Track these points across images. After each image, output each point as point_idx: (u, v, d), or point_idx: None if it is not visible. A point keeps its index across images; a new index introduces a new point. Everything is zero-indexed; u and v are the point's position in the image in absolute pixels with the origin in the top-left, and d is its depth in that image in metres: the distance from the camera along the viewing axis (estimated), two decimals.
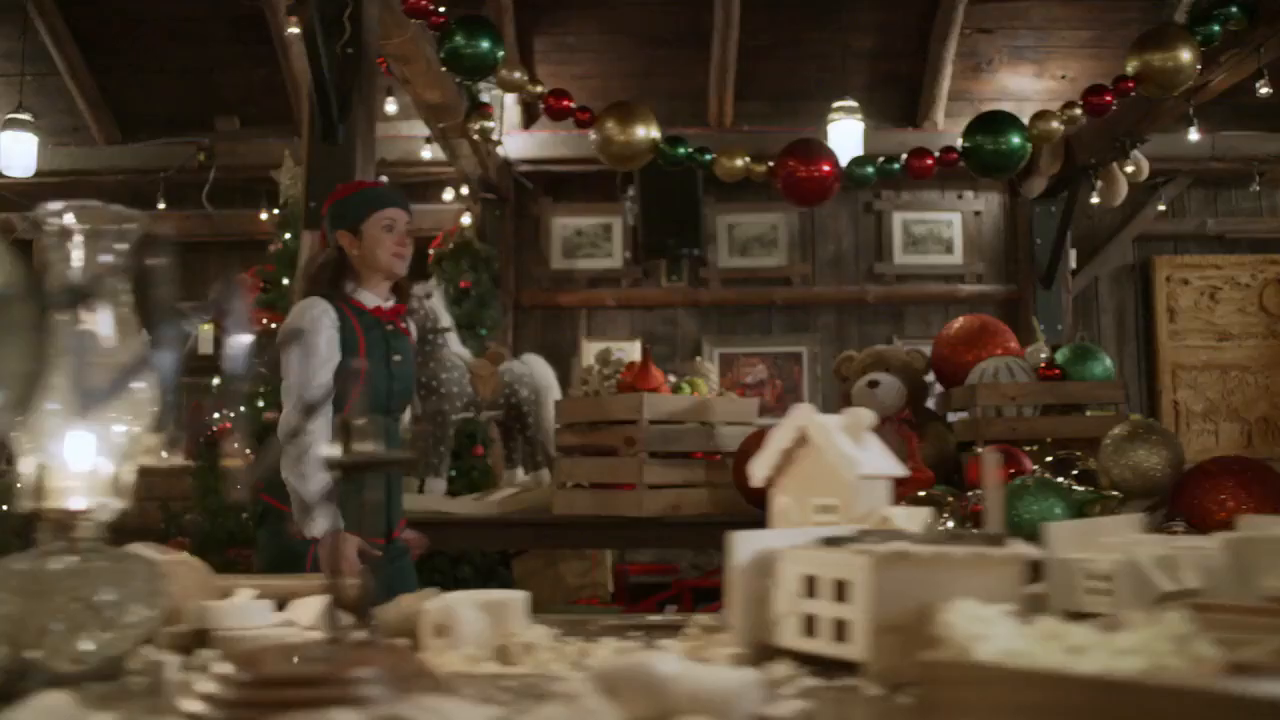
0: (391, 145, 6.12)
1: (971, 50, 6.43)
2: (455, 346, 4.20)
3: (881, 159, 3.55)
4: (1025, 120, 3.60)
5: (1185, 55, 3.29)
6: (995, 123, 3.29)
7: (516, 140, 6.63)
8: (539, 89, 3.71)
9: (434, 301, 4.12)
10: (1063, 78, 6.56)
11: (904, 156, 3.50)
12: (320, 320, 2.64)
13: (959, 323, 3.97)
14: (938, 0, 6.15)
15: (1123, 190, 5.68)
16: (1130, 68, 3.32)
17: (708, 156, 3.41)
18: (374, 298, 2.77)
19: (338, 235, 2.75)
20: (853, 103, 5.48)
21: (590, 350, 6.75)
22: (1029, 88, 6.57)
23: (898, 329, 6.69)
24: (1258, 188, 6.58)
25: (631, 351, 6.68)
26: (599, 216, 6.81)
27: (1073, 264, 6.60)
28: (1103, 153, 5.63)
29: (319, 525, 2.52)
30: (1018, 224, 6.75)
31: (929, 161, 3.43)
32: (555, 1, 6.28)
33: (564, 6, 6.30)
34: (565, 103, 3.61)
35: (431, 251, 6.12)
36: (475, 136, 5.37)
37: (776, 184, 3.32)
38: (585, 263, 6.85)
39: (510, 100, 6.59)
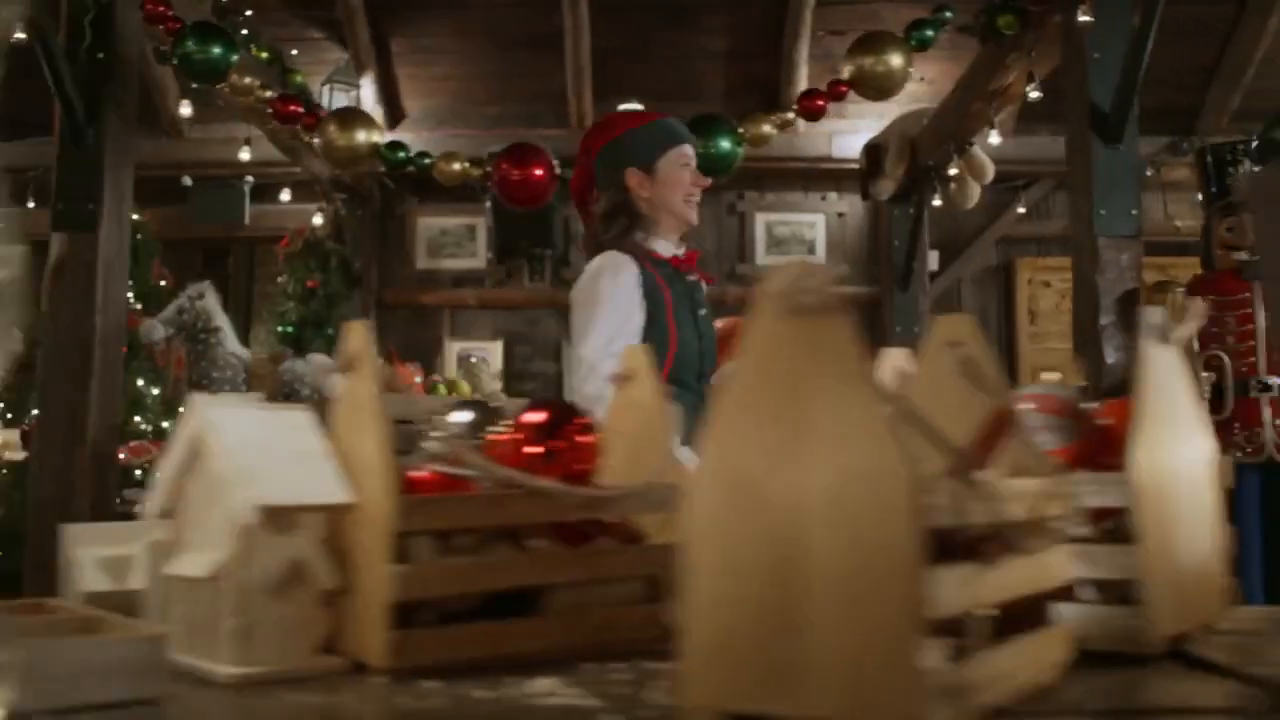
0: (225, 146, 6.10)
1: (826, 52, 6.44)
2: (231, 345, 4.27)
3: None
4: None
5: (896, 60, 3.31)
6: (708, 126, 3.32)
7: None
8: (268, 94, 3.75)
9: (206, 301, 4.19)
10: (921, 79, 6.55)
11: None
12: (619, 277, 2.26)
13: (717, 324, 4.00)
14: (786, 2, 6.16)
15: (973, 193, 5.70)
16: (846, 72, 3.34)
17: (427, 160, 3.45)
18: (669, 246, 2.40)
19: (626, 174, 2.35)
20: None
21: (453, 350, 6.81)
22: None
23: None
24: None
25: (493, 352, 6.74)
26: (463, 217, 6.85)
27: (934, 265, 6.62)
28: (942, 156, 5.65)
29: None
30: (879, 226, 6.76)
31: None
32: (410, 3, 6.31)
33: (419, 8, 6.33)
34: (293, 107, 3.65)
35: (280, 251, 6.18)
36: (307, 139, 5.45)
37: (492, 186, 3.36)
38: (450, 263, 6.90)
39: (372, 102, 6.65)
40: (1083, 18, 3.52)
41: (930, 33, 3.43)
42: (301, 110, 3.70)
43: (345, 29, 6.23)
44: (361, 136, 3.41)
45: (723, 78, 6.56)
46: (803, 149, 6.67)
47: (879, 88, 3.33)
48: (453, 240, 6.92)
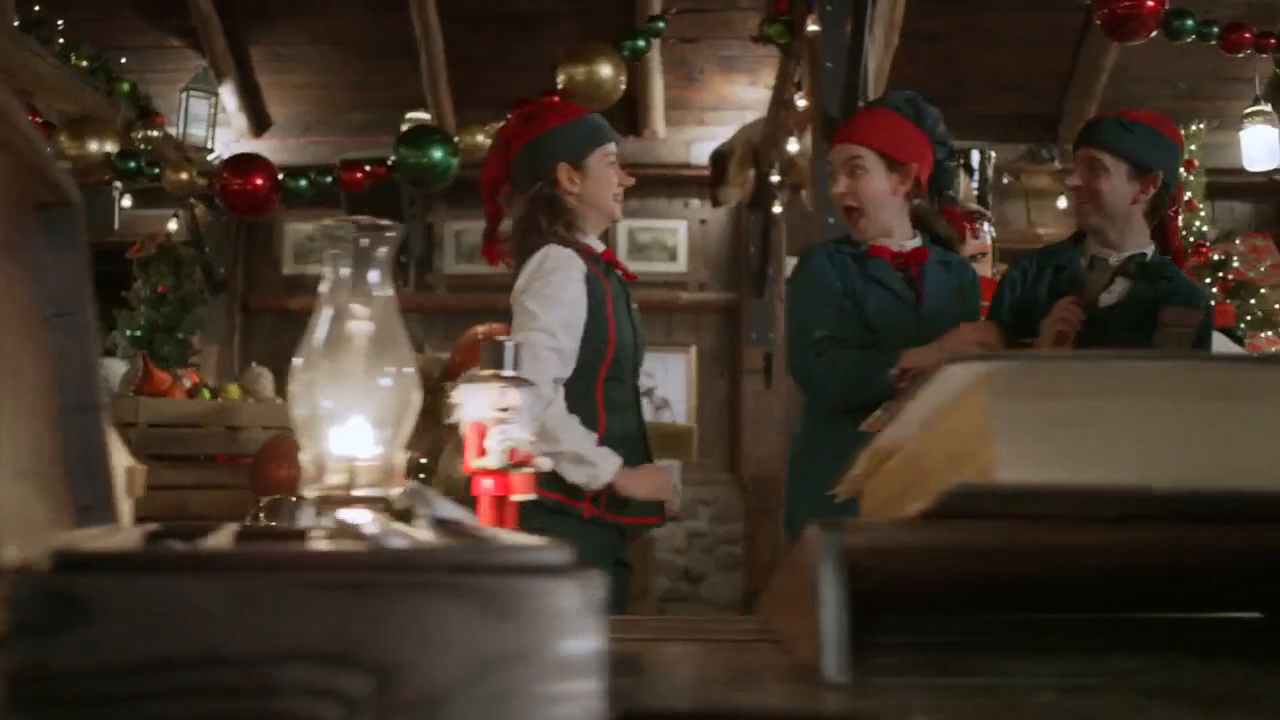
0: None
1: (681, 60, 6.48)
2: None
3: (314, 173, 3.63)
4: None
5: (606, 70, 3.35)
6: (421, 137, 3.37)
7: (244, 148, 6.70)
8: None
9: None
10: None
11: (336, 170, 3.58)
12: (571, 271, 2.26)
13: (473, 330, 4.05)
14: (634, 9, 6.20)
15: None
16: (559, 82, 3.39)
17: (156, 170, 3.52)
18: (595, 243, 2.42)
19: (555, 168, 2.35)
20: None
21: None
22: (748, 96, 6.61)
23: None
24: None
25: None
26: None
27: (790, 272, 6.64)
28: (766, 164, 5.70)
29: (608, 465, 2.19)
30: (739, 233, 6.80)
31: (358, 175, 3.50)
32: (265, 11, 6.38)
33: (274, 16, 6.40)
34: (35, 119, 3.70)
35: (132, 257, 6.24)
36: (142, 146, 5.51)
37: (215, 195, 3.42)
38: (316, 268, 6.91)
39: (234, 109, 6.72)
40: (811, 27, 3.55)
41: (642, 43, 3.47)
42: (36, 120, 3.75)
43: (200, 36, 6.30)
44: (94, 146, 3.47)
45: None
46: (662, 156, 6.71)
47: (592, 97, 3.37)
48: (320, 246, 6.96)
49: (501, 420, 1.10)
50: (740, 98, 6.60)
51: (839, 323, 2.34)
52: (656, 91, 6.51)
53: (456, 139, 3.35)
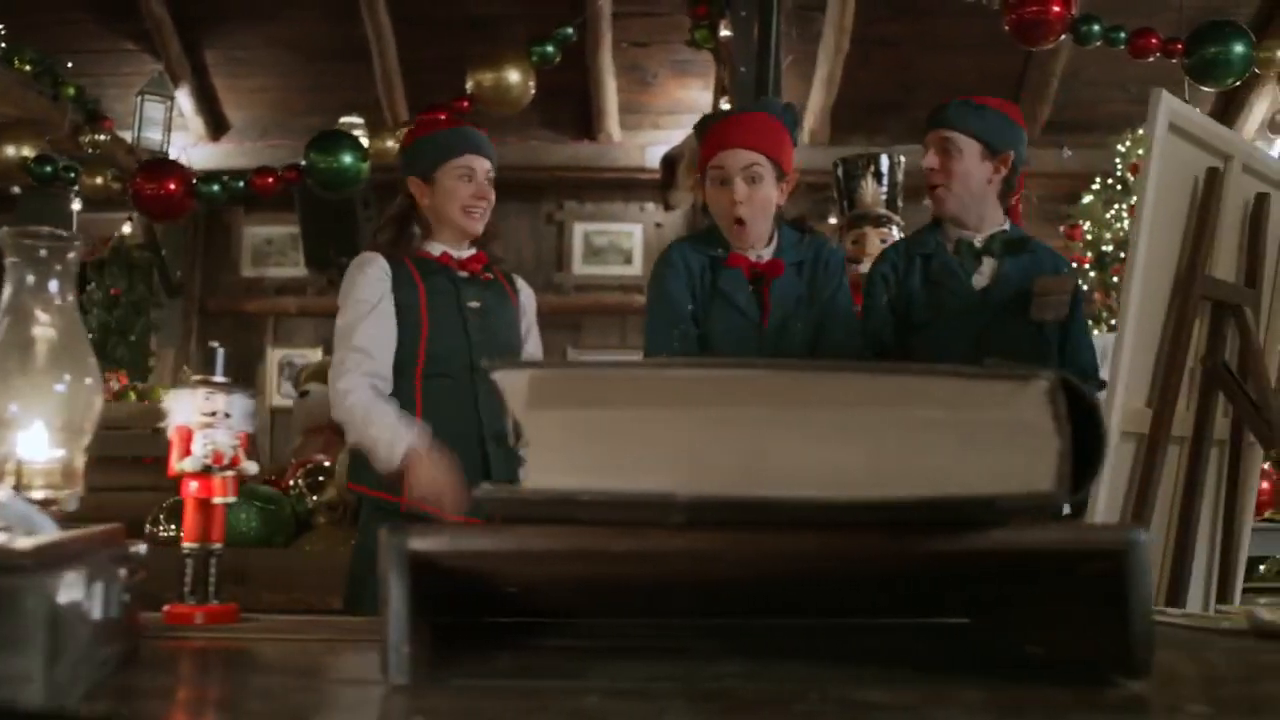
0: None
1: (634, 64, 6.51)
2: None
3: (227, 177, 3.66)
4: None
5: (515, 76, 3.38)
6: (331, 142, 3.40)
7: (203, 151, 6.77)
8: None
9: None
10: None
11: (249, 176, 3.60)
12: (364, 272, 2.36)
13: None
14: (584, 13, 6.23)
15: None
16: (469, 87, 3.41)
17: (73, 174, 3.55)
18: (441, 246, 2.46)
19: (409, 182, 2.45)
20: None
21: (275, 357, 6.89)
22: (702, 100, 6.62)
23: (574, 339, 6.77)
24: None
25: (314, 359, 6.80)
26: (287, 226, 6.92)
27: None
28: None
29: (395, 450, 2.18)
30: None
31: (270, 180, 3.52)
32: (220, 15, 6.40)
33: (228, 20, 6.42)
34: None
35: (85, 260, 6.27)
36: (90, 151, 5.54)
37: (130, 200, 3.45)
38: (274, 271, 6.99)
39: (192, 112, 6.75)
40: (724, 32, 3.57)
41: (550, 49, 3.49)
42: None
43: (155, 41, 6.34)
44: (11, 151, 3.49)
45: (537, 87, 6.61)
46: (617, 159, 6.74)
47: (502, 102, 3.40)
48: (277, 249, 7.01)
49: (207, 425, 1.12)
50: (694, 101, 6.61)
51: (683, 351, 2.32)
52: (610, 95, 6.54)
53: (367, 144, 3.38)
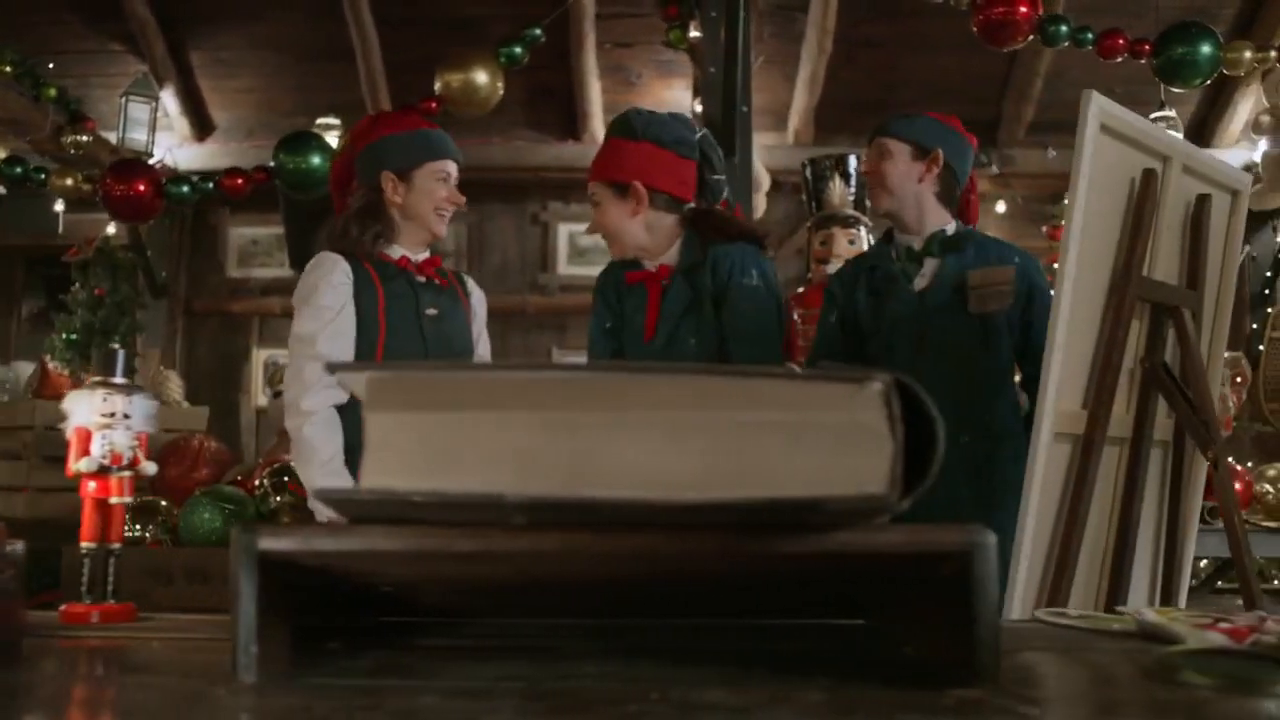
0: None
1: (618, 65, 6.52)
2: None
3: (197, 178, 3.67)
4: None
5: (483, 77, 3.39)
6: (300, 144, 3.41)
7: (188, 152, 6.79)
8: None
9: None
10: None
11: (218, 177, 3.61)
12: (328, 275, 2.34)
13: None
14: (568, 15, 6.24)
15: (756, 202, 5.76)
16: (436, 87, 3.42)
17: (43, 175, 3.56)
18: (401, 250, 2.43)
19: (381, 176, 2.39)
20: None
21: (260, 357, 6.90)
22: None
23: (560, 340, 6.78)
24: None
25: None
26: (274, 226, 6.94)
27: None
28: None
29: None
30: None
31: (239, 181, 3.54)
32: (203, 16, 6.41)
33: (212, 21, 6.43)
34: None
35: (70, 260, 6.28)
36: (73, 151, 5.55)
37: (100, 201, 3.47)
38: (260, 271, 7.00)
39: (177, 113, 6.76)
40: (693, 33, 3.57)
41: (518, 50, 3.50)
42: None
43: (140, 42, 6.35)
44: None
45: (520, 89, 6.62)
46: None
47: (470, 102, 3.41)
48: (263, 249, 7.02)
49: (105, 426, 1.13)
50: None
51: None
52: (594, 96, 6.55)
53: (335, 145, 3.39)
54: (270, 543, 0.80)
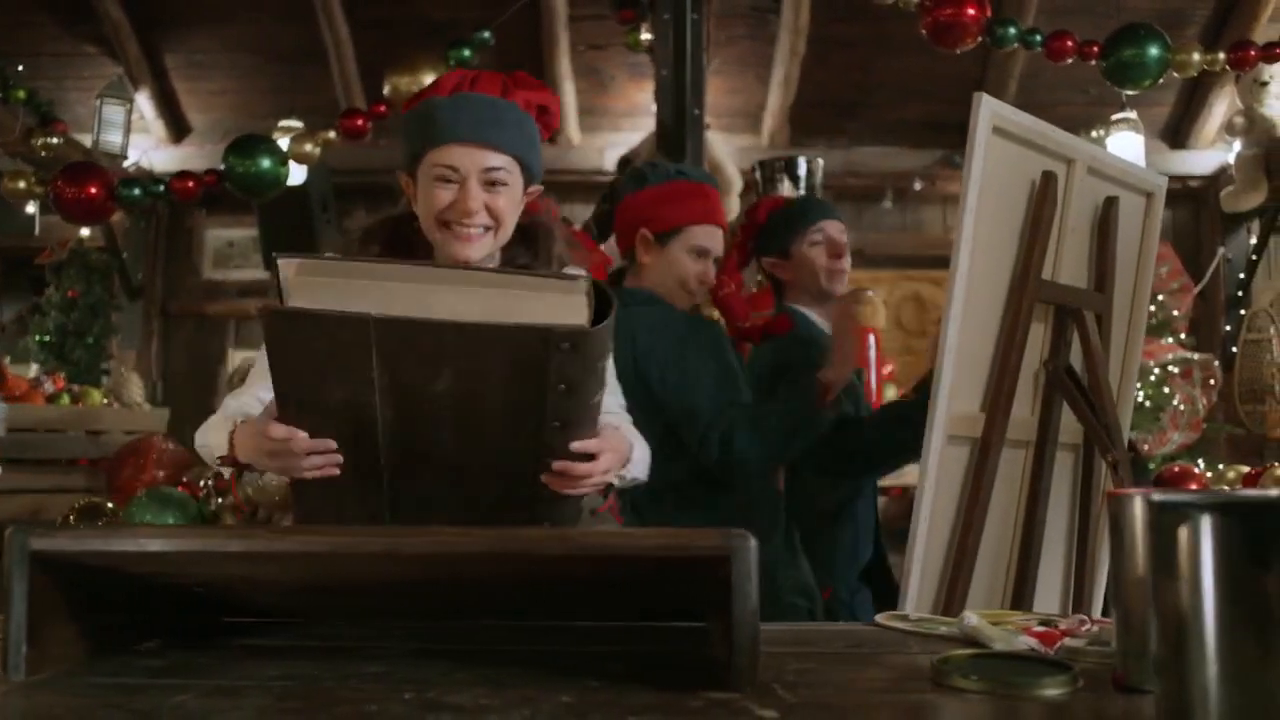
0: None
1: (592, 67, 6.52)
2: None
3: (149, 181, 3.66)
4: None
5: (428, 79, 3.38)
6: (249, 147, 3.41)
7: (164, 154, 6.80)
8: None
9: None
10: None
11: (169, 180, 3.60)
12: None
13: None
14: (541, 18, 6.24)
15: (729, 204, 5.76)
16: (385, 90, 3.43)
17: None
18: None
19: (399, 174, 1.76)
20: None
21: (236, 359, 6.91)
22: None
23: None
24: (889, 204, 6.64)
25: None
26: (250, 229, 6.95)
27: None
28: None
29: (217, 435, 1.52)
30: None
31: (190, 184, 3.54)
32: (178, 19, 6.42)
33: (187, 23, 6.44)
34: None
35: (44, 263, 6.30)
36: (43, 154, 5.55)
37: (51, 203, 3.47)
38: (236, 273, 7.01)
39: (153, 116, 6.77)
40: (645, 35, 3.57)
41: (468, 52, 3.50)
42: None
43: (114, 44, 6.36)
44: None
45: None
46: (575, 162, 6.75)
47: None
48: (239, 251, 7.03)
49: None
50: (652, 103, 6.60)
51: None
52: (568, 98, 6.55)
53: (286, 148, 3.39)
54: (42, 543, 0.80)
